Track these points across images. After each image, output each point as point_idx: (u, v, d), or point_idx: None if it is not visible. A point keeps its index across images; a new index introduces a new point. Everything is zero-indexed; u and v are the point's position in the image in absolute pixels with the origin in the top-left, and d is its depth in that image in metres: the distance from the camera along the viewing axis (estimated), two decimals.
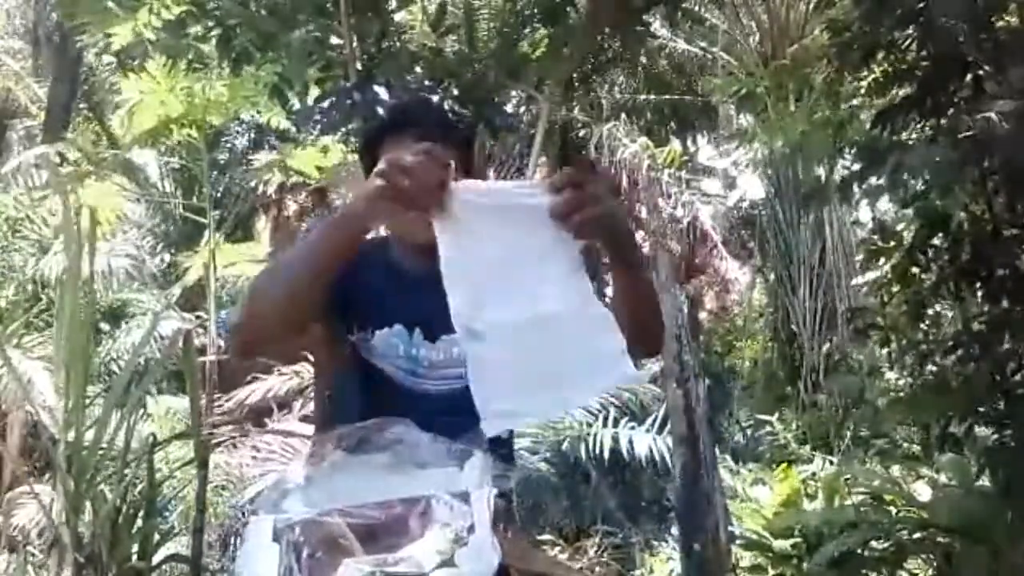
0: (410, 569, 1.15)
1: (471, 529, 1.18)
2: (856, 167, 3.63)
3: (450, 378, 1.54)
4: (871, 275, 3.95)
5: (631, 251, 1.38)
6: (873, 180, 3.43)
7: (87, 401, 3.22)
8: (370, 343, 1.55)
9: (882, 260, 3.92)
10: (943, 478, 4.62)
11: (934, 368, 3.78)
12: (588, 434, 6.68)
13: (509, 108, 6.81)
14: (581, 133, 11.38)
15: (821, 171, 8.84)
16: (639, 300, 1.41)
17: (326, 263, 1.35)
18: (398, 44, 5.54)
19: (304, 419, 5.96)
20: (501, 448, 1.45)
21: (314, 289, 1.37)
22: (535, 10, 5.93)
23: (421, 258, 1.47)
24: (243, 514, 5.63)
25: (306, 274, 1.36)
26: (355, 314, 1.56)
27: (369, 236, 1.54)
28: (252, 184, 10.55)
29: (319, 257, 1.35)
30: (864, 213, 10.25)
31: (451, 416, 1.34)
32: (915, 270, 3.75)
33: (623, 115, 10.73)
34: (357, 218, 1.30)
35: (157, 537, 3.06)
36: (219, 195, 10.48)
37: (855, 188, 3.58)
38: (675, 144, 9.41)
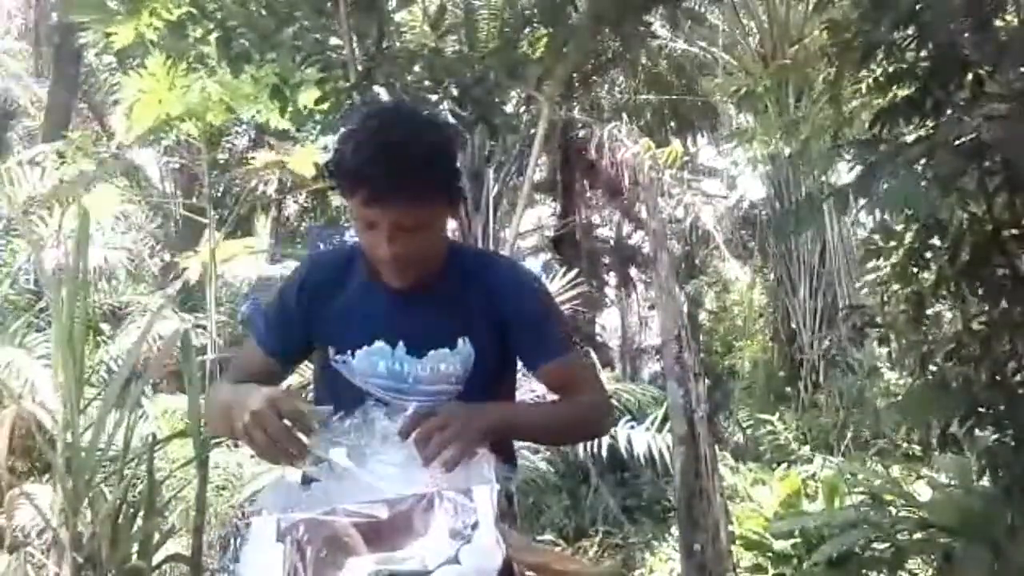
0: (414, 567, 1.15)
1: (475, 526, 1.17)
2: (853, 173, 3.61)
3: (433, 394, 1.49)
4: (871, 275, 3.94)
5: (501, 432, 1.44)
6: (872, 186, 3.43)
7: (85, 401, 3.21)
8: (351, 364, 1.52)
9: (882, 259, 3.91)
10: (943, 478, 4.62)
11: (934, 368, 3.77)
12: None
13: (509, 108, 6.80)
14: (581, 133, 11.39)
15: (820, 175, 8.85)
16: (552, 438, 1.76)
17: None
18: (398, 44, 5.54)
19: None
20: (501, 448, 1.44)
21: None
22: (535, 10, 5.93)
23: (403, 272, 1.45)
24: (243, 514, 5.62)
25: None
26: (333, 336, 1.53)
27: (337, 248, 1.55)
28: (252, 184, 10.54)
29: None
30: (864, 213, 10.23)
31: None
32: (915, 270, 3.74)
33: (624, 115, 10.73)
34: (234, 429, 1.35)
35: (157, 537, 3.06)
36: (219, 195, 10.47)
37: (851, 200, 3.56)
38: (676, 144, 9.39)
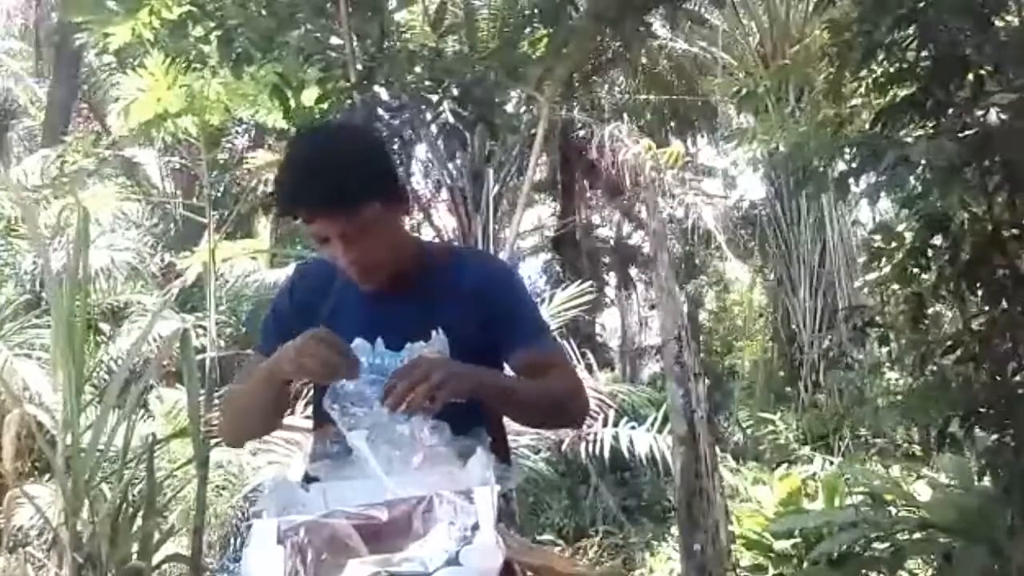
0: (415, 568, 1.15)
1: (475, 527, 1.18)
2: (855, 164, 3.62)
3: None
4: (872, 276, 3.94)
5: (487, 388, 1.49)
6: (872, 177, 3.44)
7: (86, 401, 3.21)
8: None
9: (883, 260, 3.91)
10: (943, 478, 4.63)
11: (934, 368, 3.77)
12: (588, 434, 6.68)
13: (509, 108, 6.80)
14: (581, 133, 11.40)
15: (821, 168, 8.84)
16: (531, 413, 1.64)
17: (266, 398, 1.56)
18: (398, 44, 5.54)
19: (307, 418, 5.92)
20: (496, 448, 1.45)
21: (265, 413, 1.62)
22: (535, 10, 5.93)
23: (367, 274, 1.52)
24: (243, 513, 5.62)
25: (254, 405, 1.59)
26: None
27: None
28: (252, 184, 10.55)
29: (260, 395, 1.56)
30: (864, 213, 10.27)
31: None
32: (915, 270, 3.75)
33: (624, 115, 10.74)
34: (284, 373, 1.48)
35: (157, 537, 3.06)
36: (219, 195, 10.47)
37: (852, 184, 3.57)
38: (676, 145, 9.40)
